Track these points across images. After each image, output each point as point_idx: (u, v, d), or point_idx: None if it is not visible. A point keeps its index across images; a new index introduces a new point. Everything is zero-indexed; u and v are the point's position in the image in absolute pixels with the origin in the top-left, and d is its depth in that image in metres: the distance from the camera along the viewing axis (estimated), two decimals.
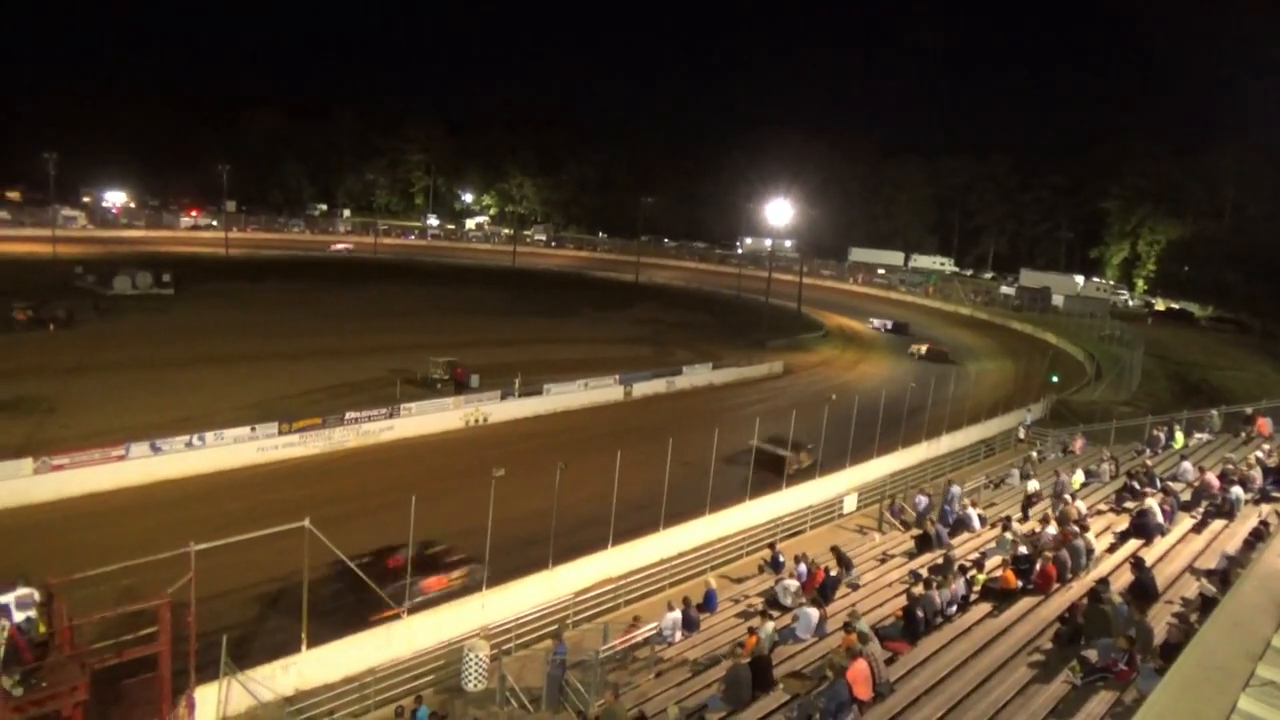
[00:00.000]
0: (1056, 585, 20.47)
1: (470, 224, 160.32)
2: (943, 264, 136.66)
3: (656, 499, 27.31)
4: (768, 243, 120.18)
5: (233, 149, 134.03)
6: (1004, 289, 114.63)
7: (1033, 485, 30.47)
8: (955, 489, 30.20)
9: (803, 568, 23.27)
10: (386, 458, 35.32)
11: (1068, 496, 27.81)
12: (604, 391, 47.89)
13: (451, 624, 21.45)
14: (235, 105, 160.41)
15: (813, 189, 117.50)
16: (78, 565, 16.48)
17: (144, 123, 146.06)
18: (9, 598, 14.37)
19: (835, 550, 24.90)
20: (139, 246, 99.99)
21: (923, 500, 30.25)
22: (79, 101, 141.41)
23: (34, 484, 27.37)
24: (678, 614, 21.16)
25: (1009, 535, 24.03)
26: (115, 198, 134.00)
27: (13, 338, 47.51)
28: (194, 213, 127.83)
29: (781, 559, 25.57)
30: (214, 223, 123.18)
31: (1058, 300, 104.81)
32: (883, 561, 25.91)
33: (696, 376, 54.03)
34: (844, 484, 34.88)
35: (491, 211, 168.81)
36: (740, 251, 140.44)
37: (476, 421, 40.99)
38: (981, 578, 21.25)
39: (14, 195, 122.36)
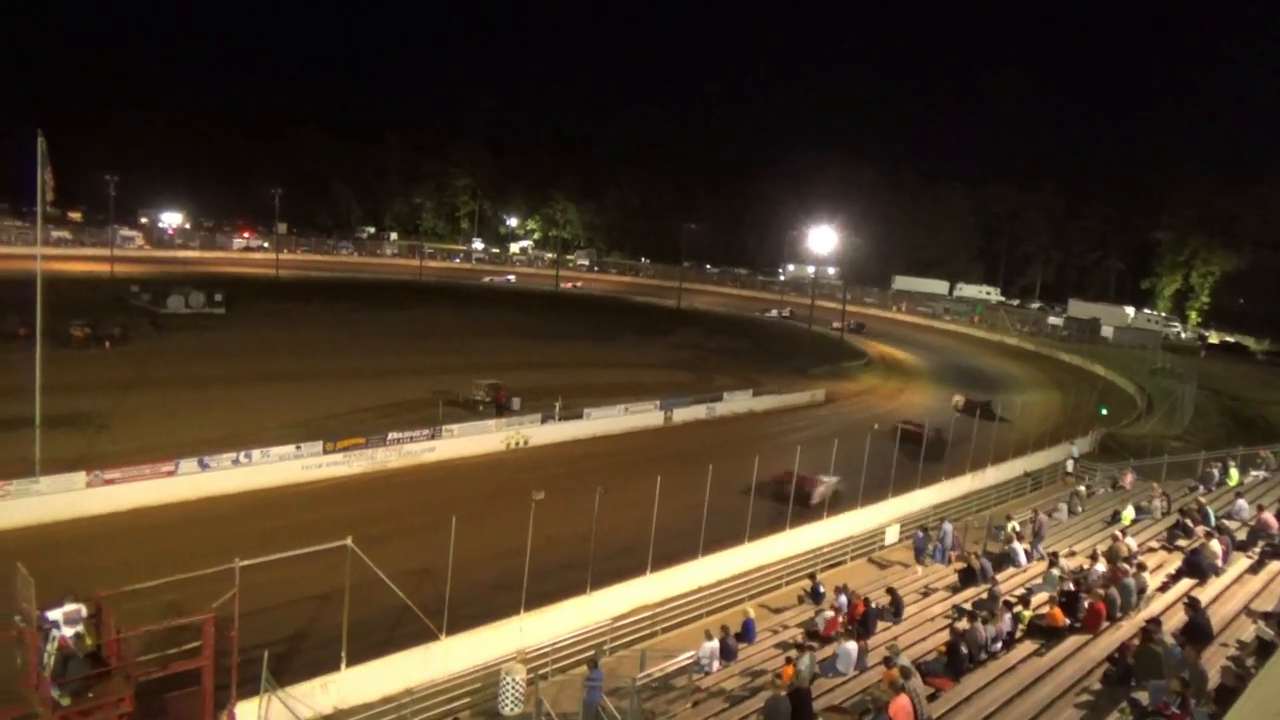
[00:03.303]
0: (1105, 624, 19.94)
1: (514, 248, 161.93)
2: (989, 293, 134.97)
3: (696, 525, 27.15)
4: (810, 269, 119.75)
5: (284, 170, 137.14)
6: (1052, 319, 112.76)
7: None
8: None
9: (843, 599, 22.93)
10: (428, 478, 35.63)
11: (1117, 532, 27.14)
12: (644, 416, 47.94)
13: (489, 646, 21.47)
14: (287, 126, 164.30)
15: (856, 215, 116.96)
16: (126, 578, 16.79)
17: (200, 144, 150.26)
18: (58, 613, 14.66)
19: (891, 591, 24.23)
20: (193, 267, 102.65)
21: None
22: (139, 123, 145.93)
23: (86, 497, 28.02)
24: (715, 643, 20.94)
25: (1056, 571, 23.48)
26: (171, 219, 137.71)
27: (70, 354, 48.83)
28: (246, 234, 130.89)
29: (822, 590, 25.24)
30: (265, 244, 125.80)
31: (1107, 332, 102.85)
32: (925, 595, 25.45)
33: (737, 403, 53.84)
34: (886, 515, 34.42)
35: (536, 236, 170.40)
36: (782, 278, 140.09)
37: (517, 444, 41.23)
38: (1028, 614, 20.77)
39: (76, 216, 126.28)
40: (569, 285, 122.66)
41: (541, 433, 42.47)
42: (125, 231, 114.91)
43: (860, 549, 31.41)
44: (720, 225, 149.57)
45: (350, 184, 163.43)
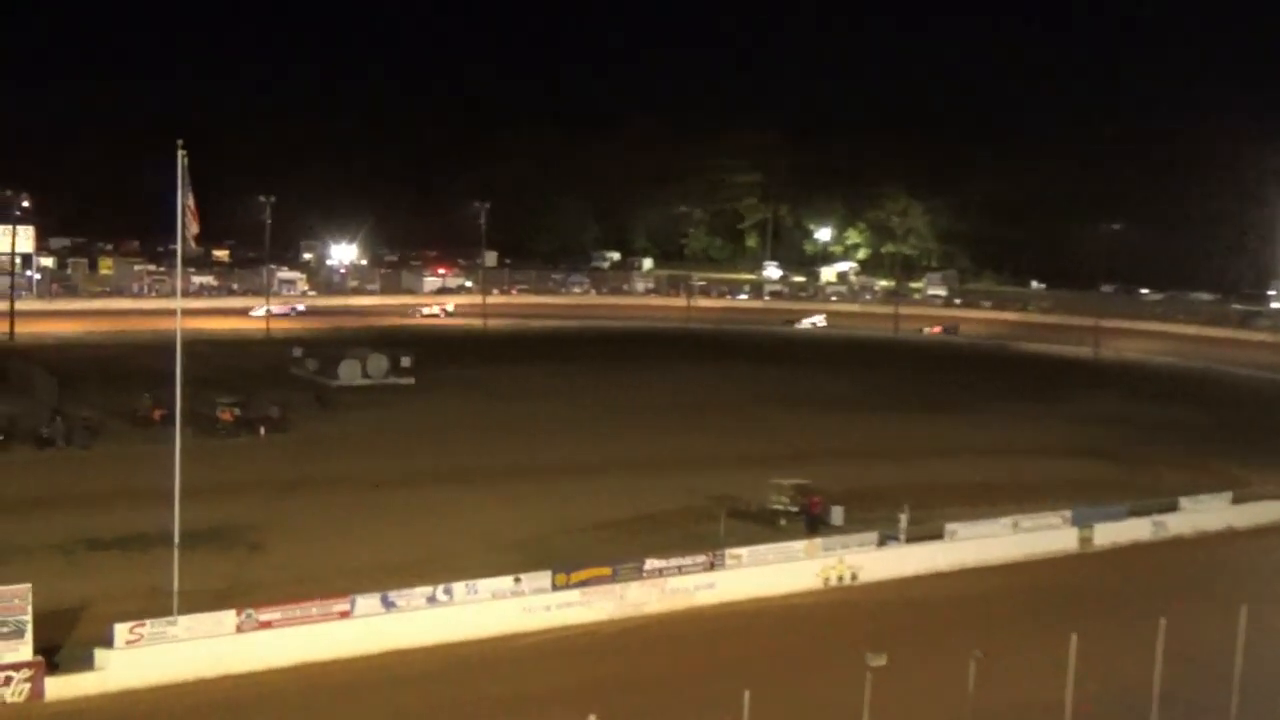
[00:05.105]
0: None
1: (828, 273, 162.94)
2: None
3: (1140, 717, 25.48)
4: None
5: (491, 182, 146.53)
6: None
7: None
8: None
9: None
10: (705, 630, 35.87)
11: None
12: (1045, 536, 46.02)
13: None
14: (493, 126, 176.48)
15: None
16: None
17: (377, 156, 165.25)
18: None
19: None
20: (372, 319, 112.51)
21: None
22: (298, 135, 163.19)
23: (236, 646, 30.61)
24: None
25: None
26: (342, 254, 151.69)
27: (216, 445, 54.59)
28: (441, 270, 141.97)
29: None
30: (468, 283, 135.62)
31: None
32: None
33: (1204, 514, 50.60)
34: None
35: (860, 254, 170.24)
36: (1276, 307, 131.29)
37: (840, 579, 40.73)
38: None
39: (221, 254, 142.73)
40: (931, 331, 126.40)
41: (878, 561, 41.75)
42: (284, 273, 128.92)
43: None
44: (1161, 227, 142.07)
45: (581, 194, 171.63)
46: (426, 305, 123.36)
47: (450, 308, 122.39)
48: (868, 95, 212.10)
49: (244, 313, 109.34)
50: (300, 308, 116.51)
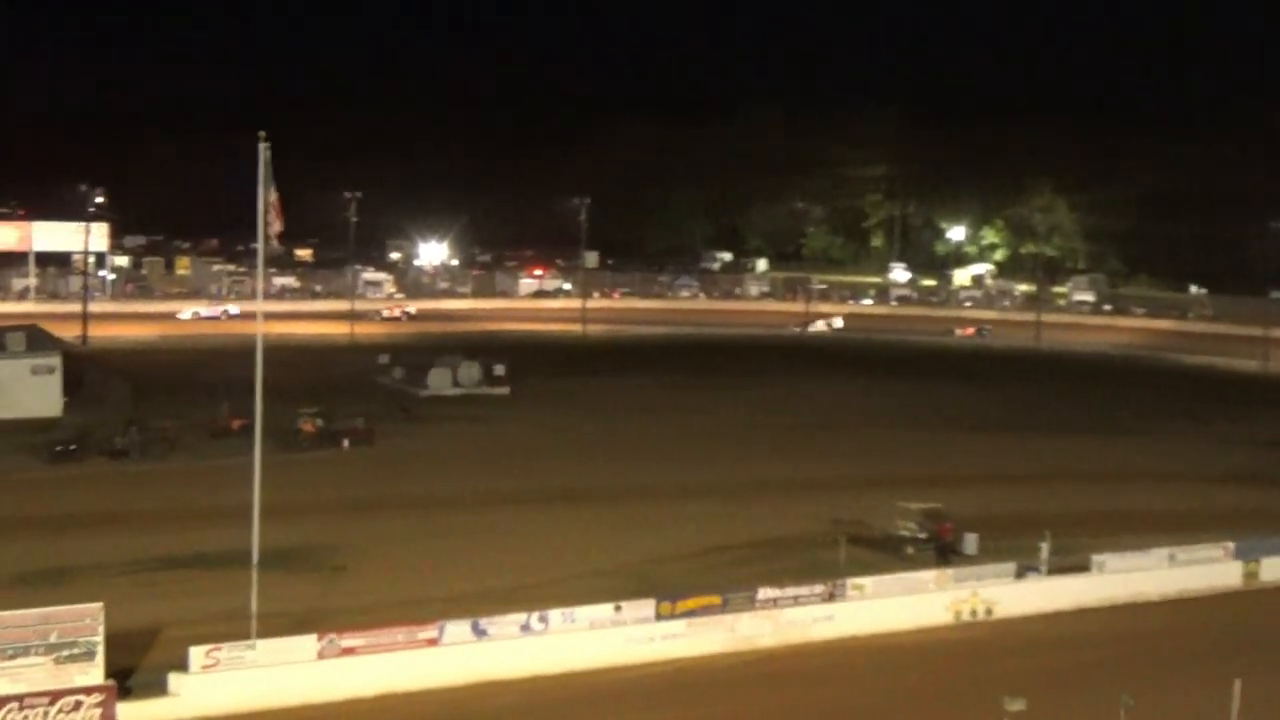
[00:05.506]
0: None
1: (962, 276, 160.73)
2: None
3: None
4: None
5: (591, 176, 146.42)
6: None
7: None
8: None
9: None
10: (823, 667, 35.57)
11: None
12: (1205, 570, 44.93)
13: None
14: (596, 116, 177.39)
15: None
16: None
17: (473, 150, 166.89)
18: None
19: None
20: (462, 324, 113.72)
21: None
22: (383, 126, 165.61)
23: (318, 673, 30.93)
24: None
25: None
26: (431, 254, 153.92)
27: (297, 459, 55.25)
28: (539, 271, 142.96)
29: None
30: (566, 285, 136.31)
31: None
32: None
33: None
34: None
35: (997, 255, 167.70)
36: None
37: (974, 614, 40.17)
38: None
39: (304, 254, 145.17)
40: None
41: (1016, 595, 41.17)
42: (369, 275, 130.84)
43: None
44: None
45: (690, 189, 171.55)
46: (386, 309, 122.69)
47: (412, 310, 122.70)
48: (1006, 75, 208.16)
49: (326, 316, 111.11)
50: (233, 310, 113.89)
